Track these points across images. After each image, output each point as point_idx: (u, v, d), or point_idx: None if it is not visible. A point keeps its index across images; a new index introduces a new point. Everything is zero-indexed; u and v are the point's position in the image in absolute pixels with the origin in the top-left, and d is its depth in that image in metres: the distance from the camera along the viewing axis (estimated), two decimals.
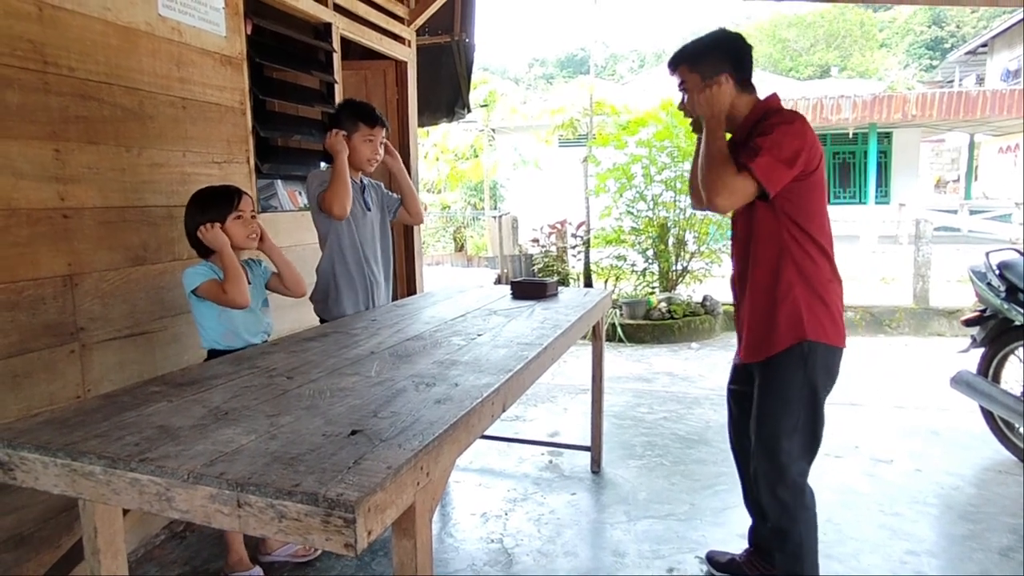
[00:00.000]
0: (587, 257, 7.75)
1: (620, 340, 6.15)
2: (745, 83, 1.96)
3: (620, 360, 5.55)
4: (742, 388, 2.15)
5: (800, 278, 1.88)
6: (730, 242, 2.14)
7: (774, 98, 1.97)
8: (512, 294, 3.01)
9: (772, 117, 1.89)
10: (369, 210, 2.79)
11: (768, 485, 1.96)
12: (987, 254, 3.28)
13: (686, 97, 2.02)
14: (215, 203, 2.18)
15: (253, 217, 2.25)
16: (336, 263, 2.68)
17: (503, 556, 2.47)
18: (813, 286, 1.89)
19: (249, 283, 2.23)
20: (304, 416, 1.36)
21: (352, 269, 2.69)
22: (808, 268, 1.89)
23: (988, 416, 3.30)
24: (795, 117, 1.87)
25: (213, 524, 1.09)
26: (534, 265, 8.33)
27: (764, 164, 1.80)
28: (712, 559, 2.36)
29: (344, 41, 3.76)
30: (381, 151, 2.74)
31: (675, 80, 2.03)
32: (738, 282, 2.08)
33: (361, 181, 2.77)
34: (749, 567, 2.24)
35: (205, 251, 2.20)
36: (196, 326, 2.21)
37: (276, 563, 2.39)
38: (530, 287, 2.99)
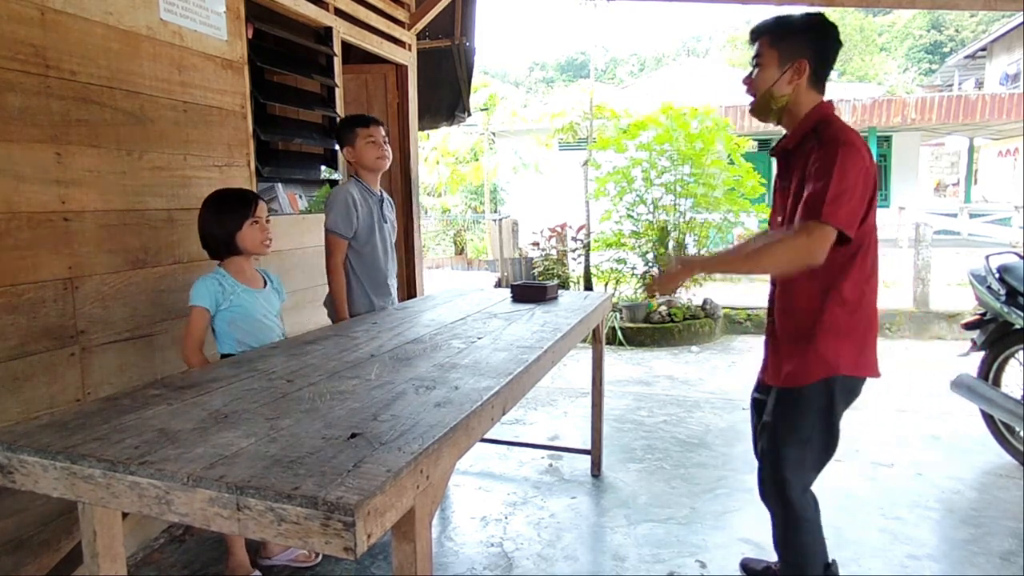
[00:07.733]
0: (587, 260, 7.74)
1: (620, 343, 6.15)
2: (820, 78, 1.79)
3: (620, 363, 5.55)
4: (765, 397, 2.06)
5: (843, 311, 1.78)
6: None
7: (828, 106, 1.80)
8: (512, 297, 3.01)
9: (826, 133, 1.73)
10: (386, 223, 2.91)
11: (774, 493, 1.92)
12: (987, 257, 3.28)
13: (755, 72, 1.83)
14: (232, 207, 2.19)
15: (267, 222, 2.26)
16: (350, 273, 2.79)
17: (503, 560, 2.47)
18: (855, 316, 1.79)
19: (265, 286, 2.30)
20: (304, 419, 1.36)
21: (366, 277, 2.82)
22: (852, 299, 1.78)
23: (989, 420, 3.30)
24: (854, 138, 1.70)
25: (212, 527, 1.09)
26: (534, 268, 8.32)
27: (846, 214, 1.64)
28: (747, 566, 2.32)
29: (345, 45, 3.77)
30: (387, 149, 2.81)
31: (752, 51, 1.85)
32: (774, 304, 1.97)
33: (380, 194, 2.88)
34: None
35: (218, 254, 2.21)
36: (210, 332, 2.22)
37: (276, 567, 2.39)
38: (530, 290, 2.99)
